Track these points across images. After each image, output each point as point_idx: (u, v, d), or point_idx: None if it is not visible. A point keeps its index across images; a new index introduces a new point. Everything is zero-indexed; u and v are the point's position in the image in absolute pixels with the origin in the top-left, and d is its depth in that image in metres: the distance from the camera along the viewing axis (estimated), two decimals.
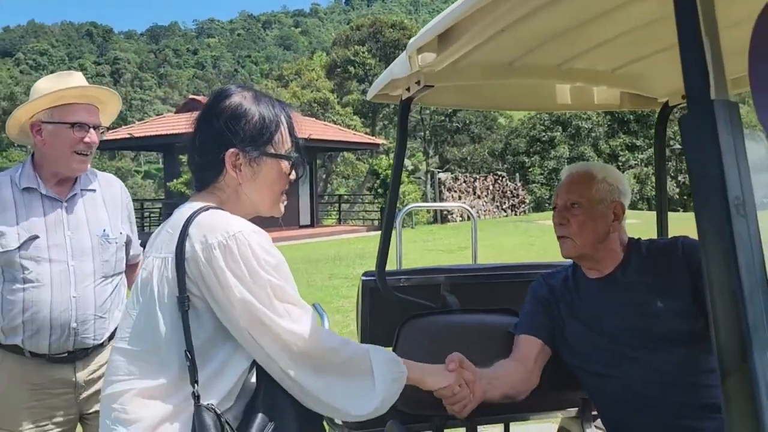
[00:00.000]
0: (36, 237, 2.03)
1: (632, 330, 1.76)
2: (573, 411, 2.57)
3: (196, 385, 1.18)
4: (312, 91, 34.68)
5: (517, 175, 31.12)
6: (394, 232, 2.41)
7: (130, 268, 2.35)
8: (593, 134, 33.54)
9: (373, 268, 2.28)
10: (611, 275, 1.84)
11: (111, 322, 2.17)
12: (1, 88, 50.83)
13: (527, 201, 29.53)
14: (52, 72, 2.74)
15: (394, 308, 2.23)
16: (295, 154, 1.39)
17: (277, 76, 43.83)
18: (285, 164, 1.37)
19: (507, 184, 28.96)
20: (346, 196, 30.01)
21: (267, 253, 1.23)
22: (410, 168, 30.78)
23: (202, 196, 1.35)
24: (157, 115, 48.81)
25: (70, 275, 2.07)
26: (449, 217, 23.46)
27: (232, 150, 1.30)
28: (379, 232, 2.31)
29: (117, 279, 2.23)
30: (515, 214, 27.49)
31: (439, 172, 28.16)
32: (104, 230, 2.17)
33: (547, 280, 1.99)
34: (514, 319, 2.02)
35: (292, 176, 1.40)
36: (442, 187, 25.37)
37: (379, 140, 25.71)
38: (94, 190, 2.22)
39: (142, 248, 2.09)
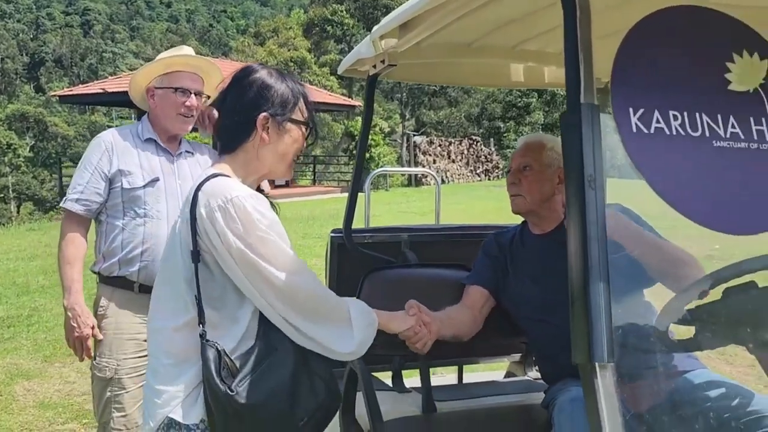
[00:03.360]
0: (157, 179, 2.37)
1: (565, 281, 2.05)
2: (517, 356, 2.90)
3: (202, 326, 1.44)
4: (289, 50, 34.21)
5: (492, 140, 31.39)
6: (362, 194, 2.66)
7: None
8: None
9: None
10: (552, 232, 2.11)
11: None
12: None
13: (501, 166, 29.92)
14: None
15: (359, 263, 2.49)
16: (311, 123, 1.63)
17: (254, 33, 43.03)
18: (303, 130, 1.60)
19: (482, 149, 29.23)
20: (322, 157, 30.03)
21: (260, 214, 1.44)
22: (386, 130, 30.79)
23: (221, 161, 1.58)
24: (130, 70, 47.58)
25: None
26: (424, 180, 23.72)
27: (263, 114, 1.52)
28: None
29: None
30: (489, 179, 27.86)
31: (414, 135, 28.30)
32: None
33: (496, 237, 2.27)
34: (466, 274, 2.29)
35: (305, 142, 1.64)
36: (417, 150, 25.56)
37: (356, 102, 25.65)
38: (192, 153, 2.55)
39: None
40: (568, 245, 0.94)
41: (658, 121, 0.99)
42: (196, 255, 1.44)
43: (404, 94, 37.18)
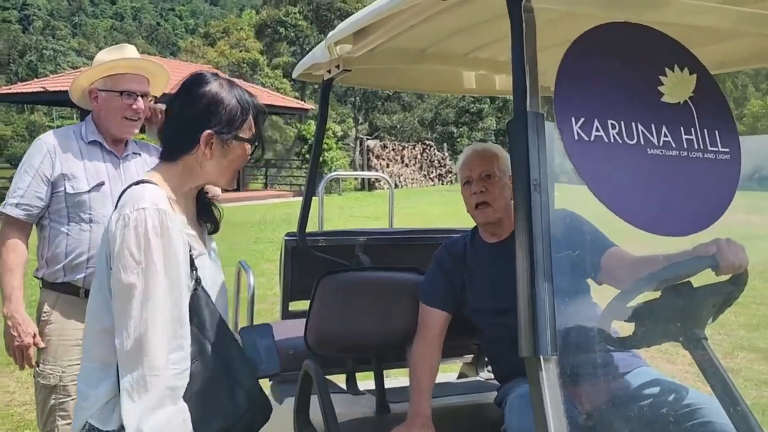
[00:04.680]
0: (102, 183, 2.31)
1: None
2: (469, 357, 2.97)
3: None
4: (241, 51, 33.79)
5: (446, 144, 31.77)
6: (316, 198, 2.67)
7: None
8: None
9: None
10: (507, 239, 2.14)
11: None
12: None
13: (454, 171, 30.31)
14: None
15: (313, 266, 2.51)
16: (257, 140, 1.59)
17: (204, 33, 42.30)
18: (248, 147, 1.56)
19: (435, 154, 29.56)
20: (274, 161, 29.77)
21: (155, 233, 1.34)
22: (339, 134, 30.77)
23: (157, 169, 1.54)
24: (73, 68, 45.99)
25: None
26: (377, 184, 23.82)
27: (208, 132, 1.47)
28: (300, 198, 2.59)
29: None
30: (442, 184, 28.20)
31: (368, 139, 28.39)
32: None
33: (448, 248, 2.26)
34: (419, 277, 2.31)
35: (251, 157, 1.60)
36: (371, 154, 25.66)
37: (308, 105, 25.56)
38: (139, 154, 2.48)
39: None
40: (516, 246, 0.99)
41: (597, 129, 1.05)
42: (109, 259, 1.40)
43: (358, 98, 37.24)
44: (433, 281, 2.21)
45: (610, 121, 1.07)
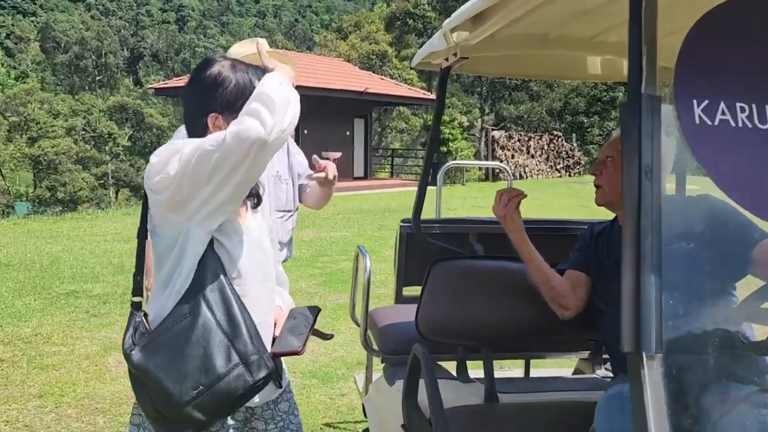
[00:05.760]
0: None
1: None
2: (585, 354, 2.85)
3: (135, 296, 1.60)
4: (370, 44, 34.50)
5: (574, 135, 30.44)
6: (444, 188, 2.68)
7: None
8: None
9: None
10: None
11: (284, 251, 2.57)
12: (72, 33, 52.58)
13: (583, 162, 28.99)
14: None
15: (427, 252, 2.53)
16: None
17: (337, 27, 43.67)
18: None
19: (562, 144, 28.43)
20: (400, 151, 30.20)
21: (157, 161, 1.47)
22: (465, 125, 30.52)
23: None
24: None
25: None
26: (501, 175, 23.38)
27: (212, 114, 1.53)
28: (430, 188, 2.61)
29: (288, 216, 2.64)
30: (569, 175, 27.08)
31: (493, 129, 27.88)
32: (277, 171, 2.61)
33: (593, 227, 2.25)
34: None
35: None
36: (495, 144, 25.19)
37: (434, 95, 25.59)
38: None
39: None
40: (623, 235, 0.94)
41: (723, 113, 0.97)
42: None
43: (484, 88, 36.67)
44: (573, 254, 2.22)
45: (739, 104, 0.97)
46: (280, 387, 1.67)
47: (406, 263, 2.67)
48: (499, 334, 2.29)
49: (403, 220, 2.66)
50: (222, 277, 1.48)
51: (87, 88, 50.28)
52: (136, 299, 1.56)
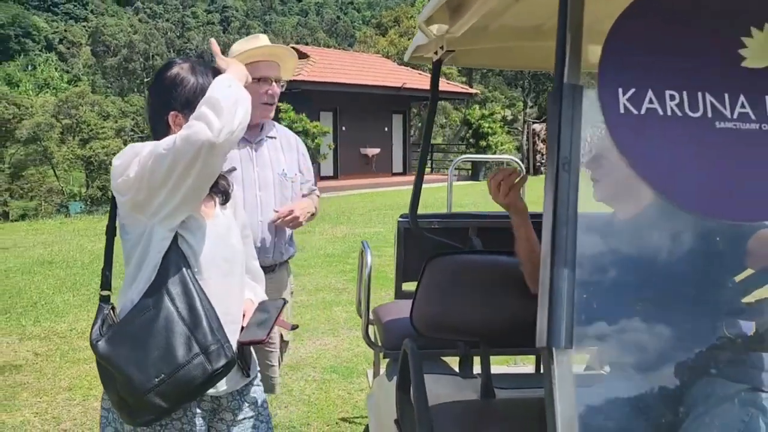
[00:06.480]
0: (234, 169, 2.50)
1: None
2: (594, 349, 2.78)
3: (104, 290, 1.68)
4: (409, 39, 34.38)
5: None
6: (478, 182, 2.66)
7: (308, 196, 2.80)
8: None
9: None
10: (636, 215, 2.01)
11: (286, 249, 2.64)
12: (121, 36, 54.31)
13: None
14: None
15: (426, 247, 2.51)
16: None
17: (377, 23, 43.74)
18: None
19: None
20: (443, 146, 30.03)
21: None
22: (509, 118, 30.12)
23: None
24: None
25: (257, 203, 2.56)
26: (542, 169, 22.98)
27: (172, 112, 1.61)
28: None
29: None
30: None
31: (534, 122, 27.42)
32: (283, 169, 2.66)
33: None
34: None
35: None
36: (537, 138, 24.77)
37: (473, 89, 25.34)
38: (274, 138, 2.69)
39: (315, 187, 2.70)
40: (543, 228, 0.92)
41: (651, 102, 0.93)
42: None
43: (527, 80, 36.12)
44: None
45: (668, 92, 0.94)
46: (248, 376, 1.72)
47: (405, 258, 2.67)
48: (496, 330, 2.27)
49: (401, 216, 2.66)
50: (185, 270, 1.54)
51: (135, 89, 51.82)
52: (104, 293, 1.64)
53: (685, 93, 0.94)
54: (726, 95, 0.94)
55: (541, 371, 3.02)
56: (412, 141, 25.58)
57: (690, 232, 1.45)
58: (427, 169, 26.61)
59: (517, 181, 1.95)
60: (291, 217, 2.56)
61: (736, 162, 0.92)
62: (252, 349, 1.75)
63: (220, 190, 1.70)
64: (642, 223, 1.84)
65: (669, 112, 0.93)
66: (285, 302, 1.82)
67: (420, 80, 23.27)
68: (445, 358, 2.73)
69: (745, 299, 1.48)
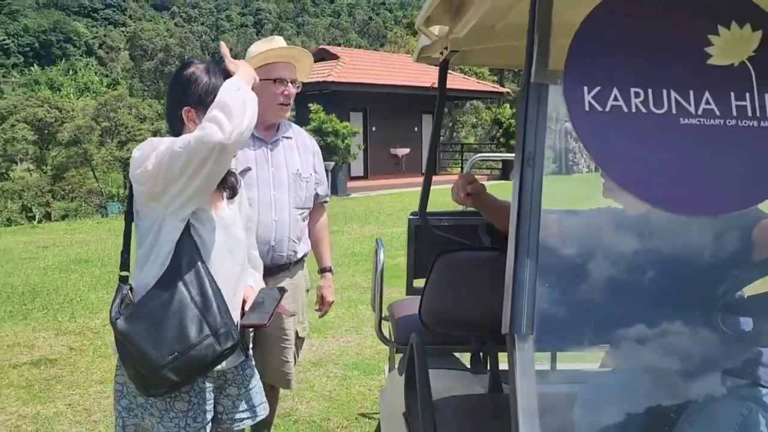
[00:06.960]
0: (249, 168, 2.60)
1: None
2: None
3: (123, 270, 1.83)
4: None
5: None
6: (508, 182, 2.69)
7: (316, 208, 2.87)
8: None
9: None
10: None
11: (300, 247, 2.72)
12: (158, 40, 55.52)
13: None
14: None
15: (436, 245, 2.55)
16: None
17: (407, 23, 43.74)
18: None
19: None
20: (474, 145, 29.88)
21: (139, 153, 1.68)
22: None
23: None
24: None
25: (271, 202, 2.64)
26: (575, 168, 22.65)
27: (186, 107, 1.74)
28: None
29: (306, 213, 2.78)
30: None
31: (565, 122, 27.02)
32: (297, 169, 2.73)
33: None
34: None
35: None
36: (569, 137, 24.42)
37: (504, 89, 25.16)
38: (290, 138, 2.76)
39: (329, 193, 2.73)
40: (510, 220, 0.97)
41: (616, 99, 0.97)
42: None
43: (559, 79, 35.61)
44: None
45: (633, 89, 0.97)
46: (246, 356, 1.90)
47: (416, 255, 2.71)
48: (498, 325, 2.30)
49: (412, 213, 2.70)
50: (197, 259, 1.68)
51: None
52: (123, 273, 1.77)
53: (650, 90, 0.97)
54: (691, 92, 0.97)
55: (557, 368, 3.04)
56: (442, 141, 25.51)
57: (687, 229, 1.47)
58: (457, 168, 26.52)
59: (470, 186, 2.08)
60: (329, 305, 2.84)
61: (701, 157, 0.95)
62: (251, 331, 1.91)
63: (228, 186, 1.82)
64: (652, 218, 1.85)
65: (633, 109, 0.96)
66: (284, 290, 1.95)
67: (450, 80, 23.13)
68: (458, 354, 2.77)
69: (744, 294, 1.49)
